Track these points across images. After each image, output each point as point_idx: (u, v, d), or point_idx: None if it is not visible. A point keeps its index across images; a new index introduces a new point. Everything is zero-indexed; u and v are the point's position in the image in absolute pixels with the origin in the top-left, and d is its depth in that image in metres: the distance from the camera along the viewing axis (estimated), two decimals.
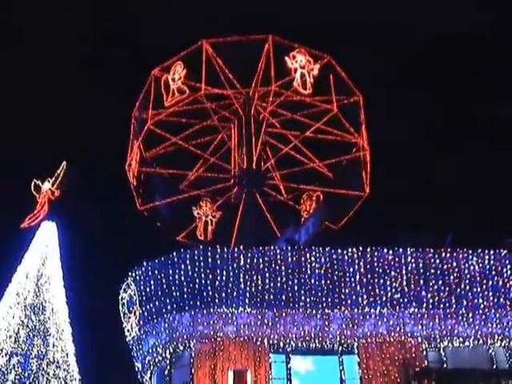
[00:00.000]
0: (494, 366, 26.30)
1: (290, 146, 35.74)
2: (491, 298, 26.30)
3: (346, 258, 25.93)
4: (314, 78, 34.41)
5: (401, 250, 26.29)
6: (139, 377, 28.48)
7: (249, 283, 25.34)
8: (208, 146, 35.98)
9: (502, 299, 26.36)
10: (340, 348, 25.83)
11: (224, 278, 25.31)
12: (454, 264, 26.37)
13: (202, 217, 34.07)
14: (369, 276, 25.83)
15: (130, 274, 27.14)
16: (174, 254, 25.86)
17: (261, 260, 25.61)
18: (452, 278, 26.23)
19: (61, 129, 55.39)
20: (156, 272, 26.08)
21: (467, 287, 26.22)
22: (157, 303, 26.02)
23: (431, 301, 25.94)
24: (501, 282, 26.52)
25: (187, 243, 31.22)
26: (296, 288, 25.48)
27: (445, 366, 26.00)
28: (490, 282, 26.42)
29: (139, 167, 34.11)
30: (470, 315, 26.15)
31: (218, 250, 25.62)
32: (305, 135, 36.02)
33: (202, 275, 25.35)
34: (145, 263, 26.58)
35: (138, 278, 26.72)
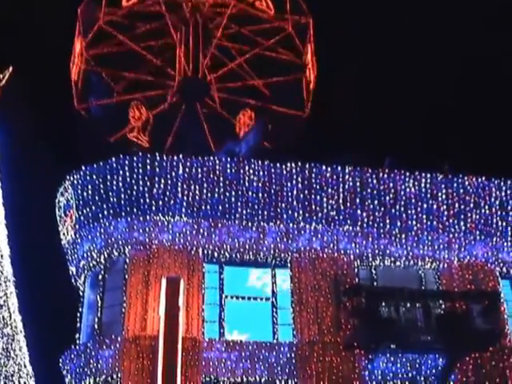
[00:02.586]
0: (423, 287, 26.92)
1: (236, 61, 34.86)
2: (425, 221, 26.75)
3: (285, 172, 26.05)
4: None
5: (339, 167, 26.51)
6: (73, 280, 28.53)
7: (186, 192, 25.38)
8: (155, 50, 34.95)
9: (435, 222, 26.83)
10: (273, 261, 26.20)
11: (162, 185, 25.27)
12: (391, 185, 26.66)
13: (138, 121, 33.09)
14: (306, 192, 26.02)
15: (67, 177, 26.89)
16: (113, 159, 25.70)
17: (199, 170, 25.59)
18: (388, 198, 26.56)
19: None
20: (94, 177, 25.89)
21: (402, 208, 26.61)
22: (93, 208, 25.89)
23: (366, 220, 26.31)
24: (435, 206, 26.94)
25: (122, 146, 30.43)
26: (233, 200, 25.61)
27: (375, 284, 26.58)
28: (425, 205, 26.83)
29: (81, 64, 33.07)
30: (403, 236, 26.61)
31: (157, 158, 25.54)
32: (253, 52, 35.07)
33: (140, 182, 25.29)
34: (83, 167, 26.33)
35: (75, 182, 26.49)
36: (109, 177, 25.61)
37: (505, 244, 27.36)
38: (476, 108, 48.11)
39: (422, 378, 25.23)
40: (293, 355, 24.71)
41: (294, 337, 25.11)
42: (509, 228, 27.36)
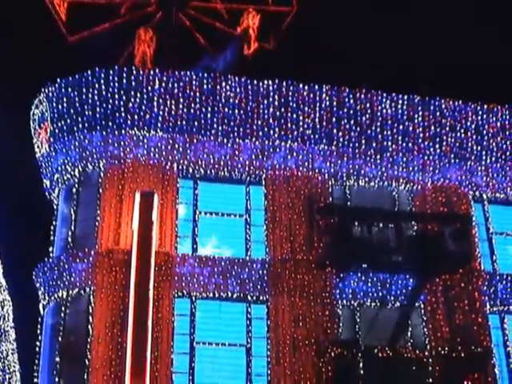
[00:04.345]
0: (396, 208, 27.09)
1: None
2: (400, 142, 26.78)
3: (261, 89, 25.97)
4: None
5: (316, 86, 26.43)
6: (47, 193, 28.43)
7: (162, 107, 25.24)
8: None
9: (410, 144, 26.87)
10: (248, 178, 26.24)
11: (137, 99, 25.13)
12: (368, 105, 26.63)
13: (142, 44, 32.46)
14: (282, 109, 25.94)
15: (42, 90, 26.64)
16: (89, 72, 25.49)
17: (176, 85, 25.42)
18: (364, 118, 26.53)
19: None
20: (69, 89, 25.67)
21: (378, 129, 26.59)
22: (68, 121, 25.69)
23: (341, 139, 26.27)
24: (411, 128, 26.96)
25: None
26: (209, 115, 25.51)
27: (348, 203, 26.69)
28: (401, 127, 26.84)
29: None
30: (378, 157, 26.63)
31: (134, 72, 25.36)
32: None
33: (116, 96, 25.11)
34: (58, 80, 26.11)
35: (50, 94, 26.26)
36: (84, 90, 25.42)
37: (479, 168, 27.48)
38: (456, 32, 47.75)
39: (392, 298, 25.46)
40: (265, 272, 24.86)
41: (266, 254, 25.24)
42: (483, 152, 27.48)
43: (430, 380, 23.98)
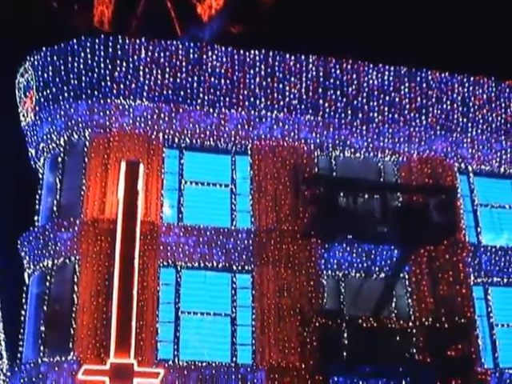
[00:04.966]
0: (382, 179, 27.14)
1: None
2: (386, 114, 26.79)
3: (248, 59, 25.89)
4: None
5: (303, 56, 26.37)
6: (32, 162, 28.36)
7: (148, 76, 25.14)
8: None
9: (396, 115, 26.90)
10: (234, 148, 26.19)
11: (123, 68, 25.01)
12: (354, 76, 26.61)
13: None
14: (268, 79, 25.89)
15: (28, 58, 26.50)
16: (75, 40, 25.36)
17: (162, 54, 25.32)
18: (350, 89, 26.50)
19: None
20: (55, 58, 25.54)
21: (364, 100, 26.58)
22: (54, 89, 25.57)
23: (327, 110, 26.25)
24: (397, 99, 26.98)
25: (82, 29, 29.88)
26: (195, 85, 25.41)
27: (334, 174, 26.71)
28: (387, 98, 26.84)
29: None
30: (364, 128, 26.64)
31: (120, 40, 25.21)
32: None
33: (102, 64, 24.98)
34: (44, 49, 25.97)
35: (35, 62, 26.13)
36: (70, 58, 25.29)
37: (464, 140, 27.56)
38: (444, 3, 47.60)
39: (377, 269, 25.57)
40: (250, 242, 24.90)
41: (251, 224, 25.28)
42: (469, 124, 27.54)
43: (414, 350, 24.15)
